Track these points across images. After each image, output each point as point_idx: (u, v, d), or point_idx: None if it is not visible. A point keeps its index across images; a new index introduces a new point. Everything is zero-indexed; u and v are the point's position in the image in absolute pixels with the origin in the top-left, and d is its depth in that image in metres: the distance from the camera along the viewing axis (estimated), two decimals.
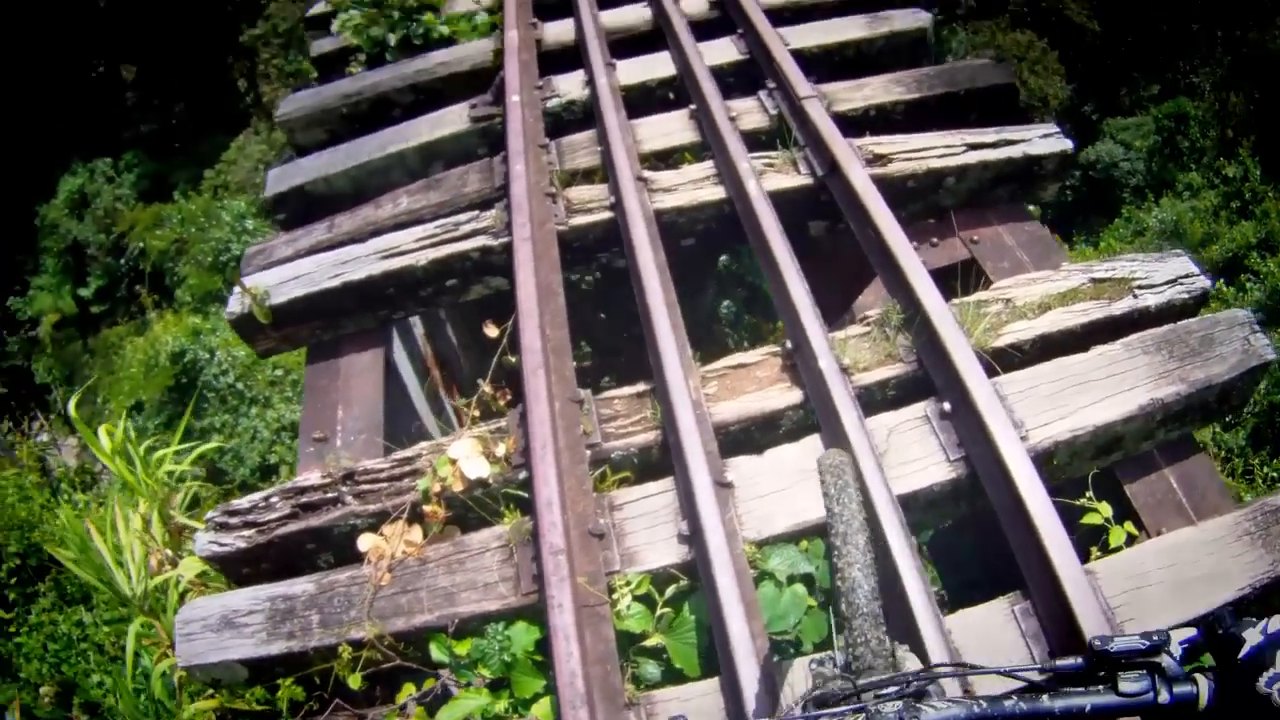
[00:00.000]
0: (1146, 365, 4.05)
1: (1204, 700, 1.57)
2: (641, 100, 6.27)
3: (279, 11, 27.30)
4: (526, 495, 3.91)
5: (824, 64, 6.40)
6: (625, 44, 6.93)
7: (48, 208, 34.02)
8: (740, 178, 5.05)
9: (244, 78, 31.45)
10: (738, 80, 6.29)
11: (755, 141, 5.62)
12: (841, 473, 2.58)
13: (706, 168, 5.46)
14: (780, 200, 5.05)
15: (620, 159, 5.30)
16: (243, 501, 4.18)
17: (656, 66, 6.48)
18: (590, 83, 6.19)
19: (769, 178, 5.26)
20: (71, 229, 33.49)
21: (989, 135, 5.47)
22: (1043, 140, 5.45)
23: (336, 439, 4.87)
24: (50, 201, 34.24)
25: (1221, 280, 21.36)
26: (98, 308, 32.46)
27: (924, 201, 5.40)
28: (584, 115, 6.21)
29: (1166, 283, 4.50)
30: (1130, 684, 1.61)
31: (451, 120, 6.30)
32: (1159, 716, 1.60)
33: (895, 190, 5.17)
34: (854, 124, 5.67)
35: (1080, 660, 1.67)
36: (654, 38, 6.93)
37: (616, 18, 7.20)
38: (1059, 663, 1.70)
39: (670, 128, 5.85)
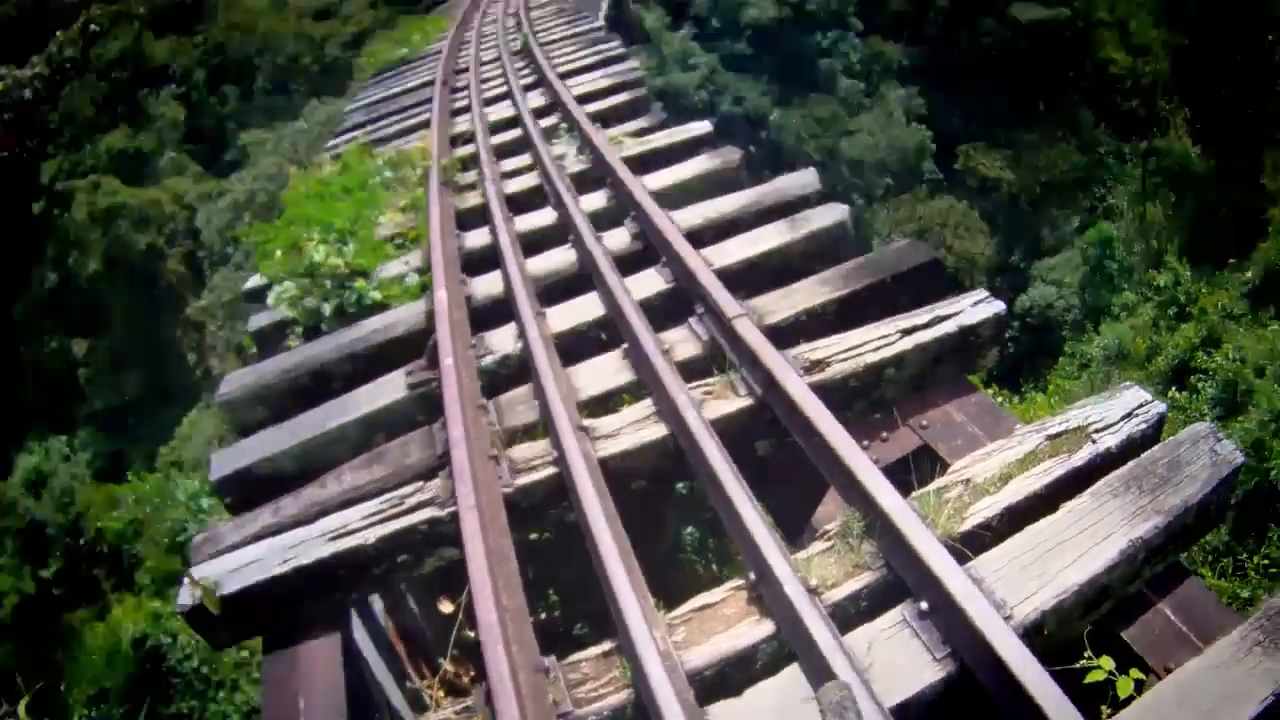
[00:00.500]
0: (1119, 508, 3.94)
1: None
2: (575, 345, 6.26)
3: (223, 283, 27.68)
4: None
5: (750, 277, 6.44)
6: (554, 289, 6.99)
7: (5, 486, 33.55)
8: (680, 412, 4.98)
9: (192, 351, 31.68)
10: (667, 310, 6.32)
11: (691, 371, 5.57)
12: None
13: (646, 407, 5.39)
14: (723, 426, 4.98)
15: (559, 412, 5.23)
16: None
17: (586, 309, 6.52)
18: (522, 335, 6.19)
19: (709, 405, 5.20)
20: (30, 507, 32.89)
21: (921, 316, 5.43)
22: (974, 308, 5.41)
23: None
24: (8, 480, 33.84)
25: (1174, 387, 21.47)
26: (58, 589, 31.71)
27: (867, 398, 5.34)
28: (519, 368, 6.17)
29: (1123, 418, 4.43)
30: None
31: (389, 389, 6.26)
32: None
33: (837, 392, 5.13)
34: (788, 333, 5.67)
35: None
36: (581, 279, 7.00)
37: (543, 264, 7.29)
38: None
39: (606, 370, 5.83)
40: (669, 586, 4.39)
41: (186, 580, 5.11)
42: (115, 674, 14.54)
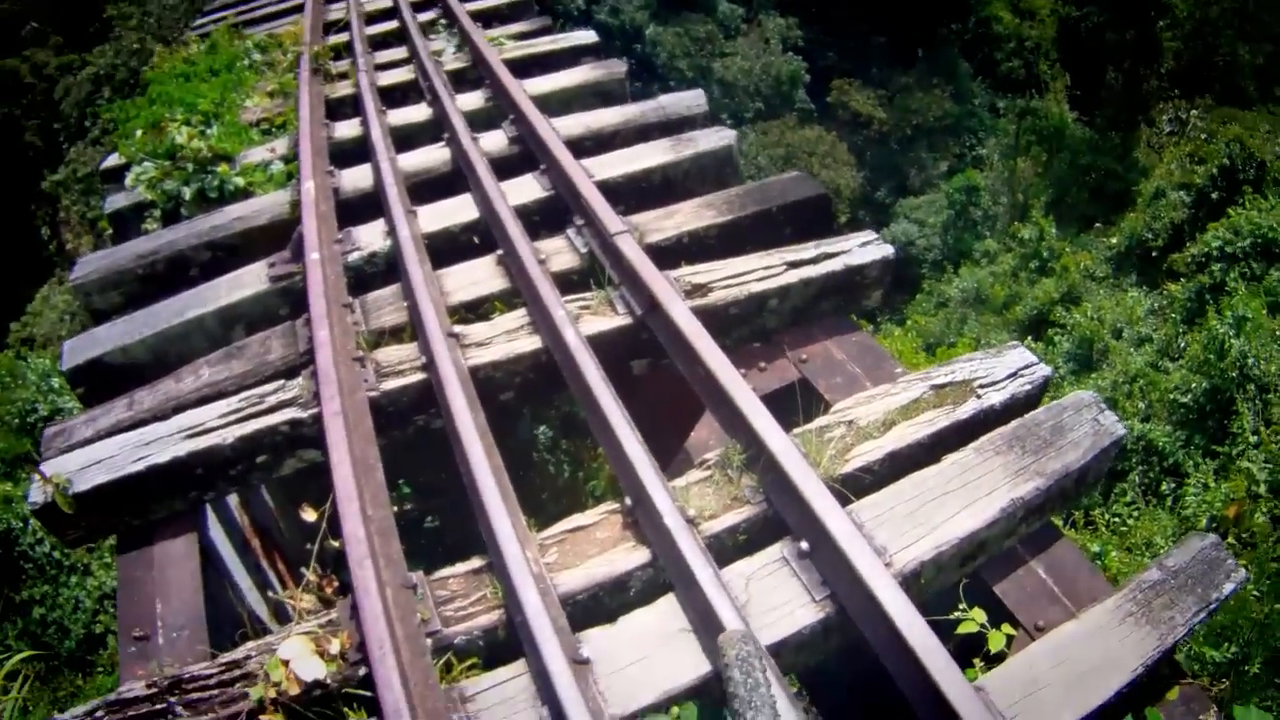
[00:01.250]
0: (1002, 466, 3.89)
1: None
2: (447, 247, 5.94)
3: (79, 157, 26.19)
4: (369, 694, 3.46)
5: (631, 193, 6.22)
6: (426, 187, 6.63)
7: None
8: (557, 326, 4.74)
9: (46, 225, 30.04)
10: (544, 219, 6.05)
11: (568, 283, 5.34)
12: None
13: (520, 316, 5.13)
14: (600, 343, 4.76)
15: (429, 316, 4.94)
16: (65, 717, 3.63)
17: (459, 211, 6.17)
18: (392, 232, 5.83)
19: (586, 321, 4.96)
20: None
21: (808, 251, 5.28)
22: (862, 249, 5.29)
23: (158, 636, 4.32)
24: None
25: (1030, 337, 22.01)
26: None
27: (749, 326, 5.17)
28: (387, 267, 5.84)
29: (1008, 377, 4.37)
30: None
31: (250, 280, 5.86)
32: None
33: (718, 319, 4.96)
34: (669, 254, 5.46)
35: None
36: (454, 179, 6.65)
37: (415, 160, 6.90)
38: None
39: (478, 276, 5.53)
40: (523, 485, 4.16)
41: (37, 478, 4.73)
42: None
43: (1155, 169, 28.19)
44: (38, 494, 4.68)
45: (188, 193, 7.28)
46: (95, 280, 6.48)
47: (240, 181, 7.24)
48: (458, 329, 5.00)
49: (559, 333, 4.73)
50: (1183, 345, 19.42)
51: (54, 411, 15.70)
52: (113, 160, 8.25)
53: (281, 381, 4.92)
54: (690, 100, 7.20)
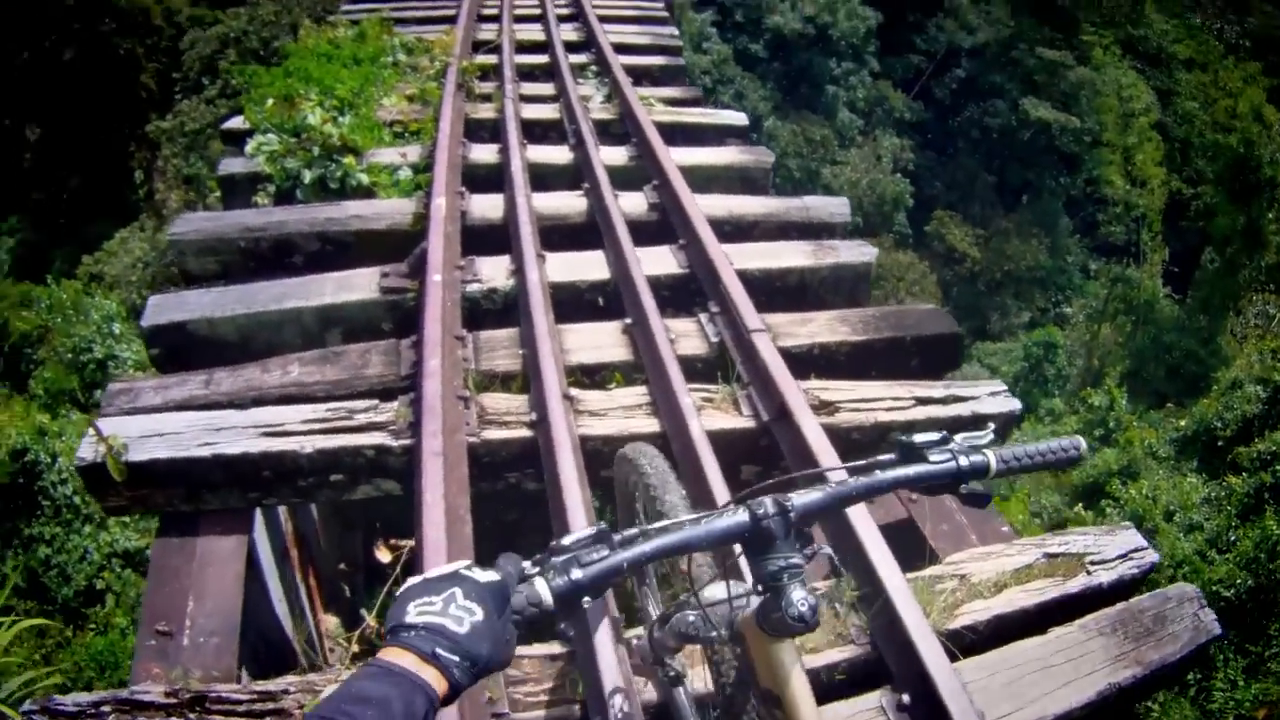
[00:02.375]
0: (1103, 648, 3.61)
1: (994, 467, 1.95)
2: (570, 302, 5.61)
3: (189, 111, 26.27)
4: None
5: (764, 290, 5.85)
6: (557, 233, 6.32)
7: None
8: (681, 414, 4.36)
9: (142, 169, 30.18)
10: (674, 295, 5.70)
11: (692, 370, 4.97)
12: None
13: (640, 394, 4.76)
14: (719, 441, 4.39)
15: (548, 371, 4.57)
16: (67, 702, 3.25)
17: (590, 267, 5.83)
18: (518, 272, 5.51)
19: (709, 415, 4.60)
20: None
21: (938, 390, 4.98)
22: (991, 399, 4.99)
23: (183, 635, 3.93)
24: None
25: (1081, 504, 21.55)
26: None
27: (866, 455, 4.75)
28: (504, 307, 5.51)
29: (1119, 558, 4.05)
30: (937, 457, 1.94)
31: (360, 285, 5.54)
32: (961, 479, 1.93)
33: (839, 441, 4.53)
34: (798, 362, 5.10)
35: (894, 455, 2.03)
36: (588, 232, 6.33)
37: (551, 203, 6.60)
38: (879, 459, 2.05)
39: (601, 340, 5.17)
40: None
41: (92, 432, 4.38)
42: None
43: (1236, 359, 27.56)
44: (88, 450, 4.34)
45: (308, 176, 7.00)
46: (194, 241, 6.20)
47: (364, 179, 6.96)
48: (574, 392, 4.64)
49: (682, 422, 4.36)
50: (1233, 539, 18.84)
51: (108, 356, 15.51)
52: (236, 122, 8.02)
53: (376, 402, 4.58)
54: (835, 206, 6.87)
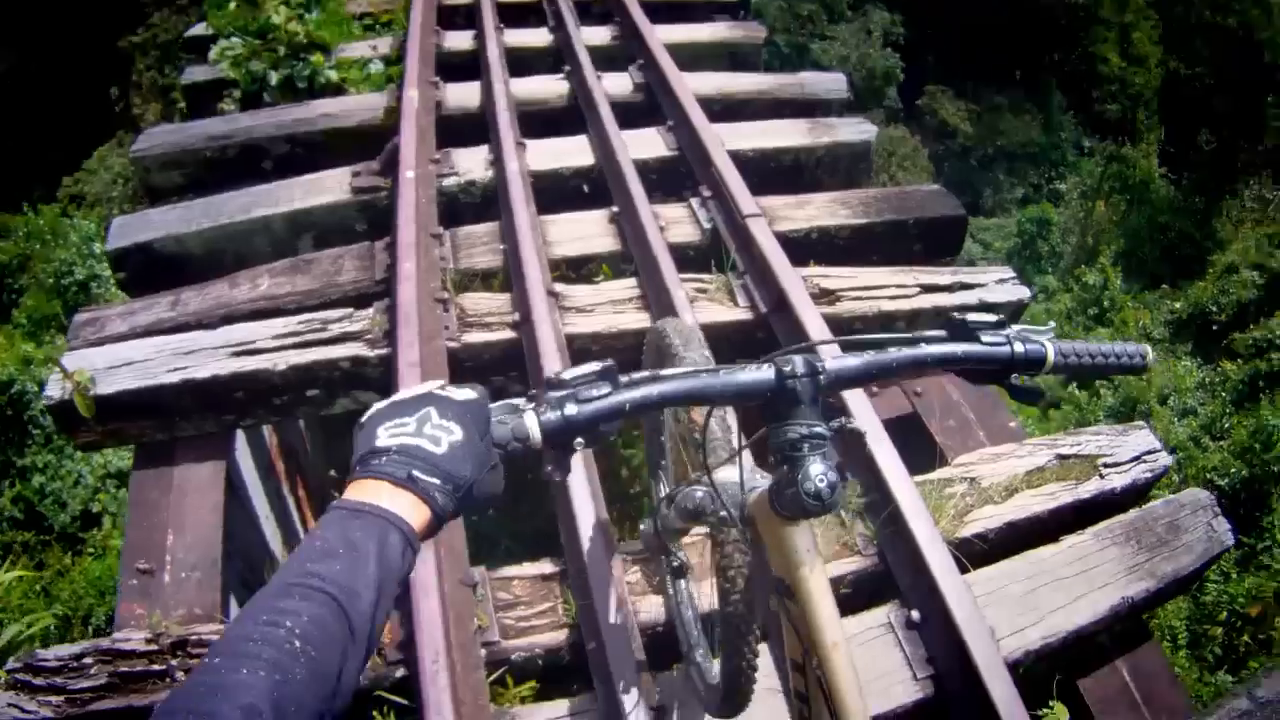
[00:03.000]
0: (1117, 558, 3.42)
1: (1051, 358, 1.76)
2: (553, 191, 5.27)
3: (162, 22, 25.60)
4: (406, 702, 2.90)
5: (758, 171, 5.51)
6: (538, 120, 5.95)
7: None
8: (674, 307, 4.07)
9: (116, 86, 29.43)
10: (663, 179, 5.36)
11: (684, 258, 4.66)
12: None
13: (629, 287, 4.46)
14: (713, 334, 4.10)
15: (530, 267, 4.27)
16: (49, 656, 3.06)
17: (573, 153, 5.46)
18: (497, 162, 5.16)
19: (702, 307, 4.29)
20: None
21: (944, 277, 4.67)
22: (999, 286, 4.69)
23: (165, 572, 3.70)
24: None
25: (1074, 384, 21.42)
26: None
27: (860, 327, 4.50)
28: (483, 200, 5.18)
29: (1131, 460, 3.83)
30: (990, 339, 1.75)
31: (330, 187, 5.20)
32: (1014, 368, 1.76)
33: (841, 330, 4.33)
34: (796, 247, 4.76)
35: (942, 332, 1.79)
36: (570, 117, 5.95)
37: (530, 88, 6.21)
38: (926, 333, 1.78)
39: (587, 230, 4.83)
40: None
41: (58, 371, 4.11)
42: None
43: (1232, 243, 27.19)
44: (55, 388, 4.08)
45: (274, 78, 6.60)
46: (157, 155, 5.84)
47: (334, 76, 6.57)
48: (558, 287, 4.34)
49: (675, 315, 4.06)
50: (1227, 426, 18.71)
51: (90, 278, 15.14)
52: (199, 29, 7.58)
53: (350, 310, 4.28)
54: (830, 83, 6.47)
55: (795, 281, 4.19)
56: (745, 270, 4.48)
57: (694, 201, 4.96)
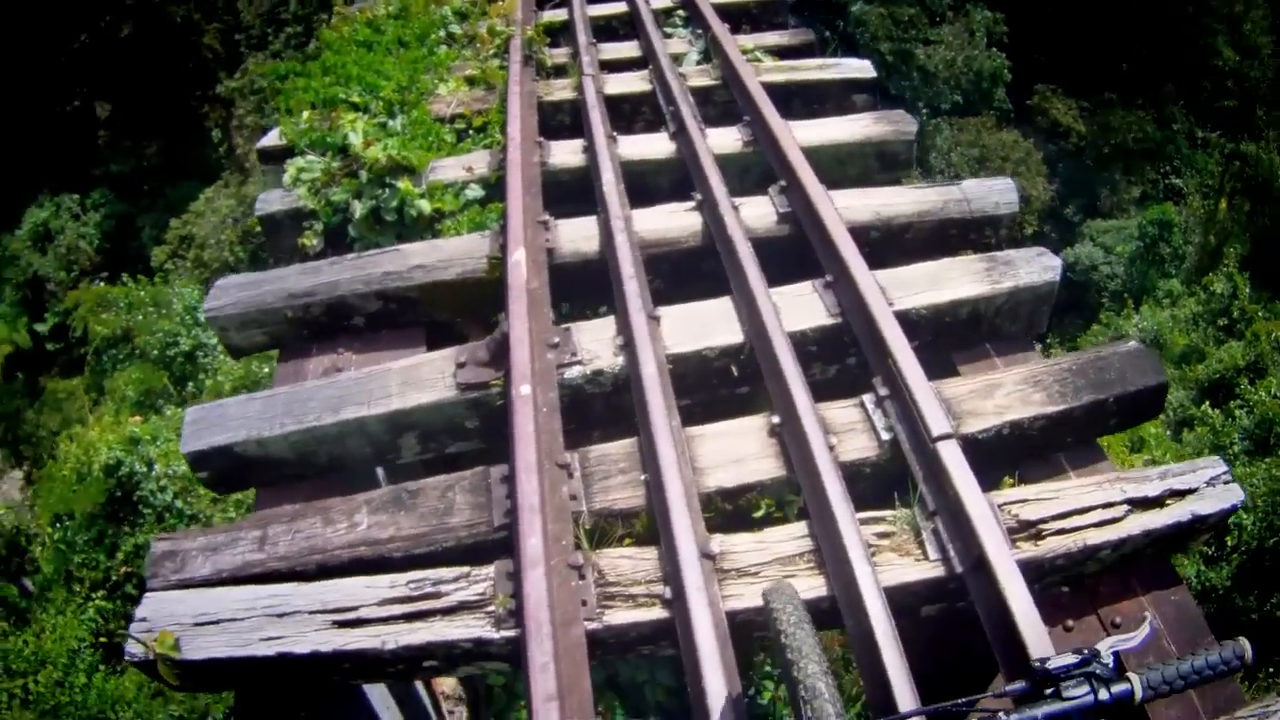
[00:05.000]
0: None
1: (1139, 695, 1.76)
2: (696, 377, 4.39)
3: (257, 68, 25.34)
4: None
5: (932, 330, 4.58)
6: (667, 269, 5.09)
7: (11, 239, 32.24)
8: (850, 562, 3.21)
9: (219, 128, 29.42)
10: (825, 357, 4.46)
11: (858, 476, 3.76)
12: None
13: (798, 536, 3.55)
14: (897, 597, 3.30)
15: (678, 515, 3.41)
16: None
17: (716, 323, 4.50)
18: (628, 347, 4.27)
19: (886, 562, 3.42)
20: (33, 262, 31.80)
21: (1151, 484, 3.73)
22: (1210, 489, 3.74)
23: None
24: (14, 232, 32.38)
25: (1207, 403, 20.04)
26: (53, 345, 30.46)
27: (1065, 574, 3.65)
28: (613, 390, 4.30)
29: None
30: (1073, 690, 1.75)
31: (430, 379, 4.36)
32: (1103, 713, 1.74)
33: (1037, 572, 3.47)
34: (986, 452, 3.88)
35: (1025, 684, 1.83)
36: (705, 263, 5.06)
37: (656, 225, 5.25)
38: (1009, 688, 1.90)
39: (742, 448, 3.89)
40: None
41: (132, 640, 3.47)
42: (84, 497, 13.10)
43: None
44: (137, 646, 3.47)
45: (358, 209, 5.82)
46: (235, 315, 5.08)
47: (425, 207, 5.74)
48: (715, 545, 3.44)
49: (852, 579, 3.22)
50: None
51: (196, 347, 14.77)
52: (272, 139, 6.82)
53: (466, 569, 3.51)
54: (999, 194, 5.41)
55: (992, 525, 3.36)
56: (935, 509, 3.55)
57: (868, 402, 4.00)
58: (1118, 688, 1.75)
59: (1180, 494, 3.74)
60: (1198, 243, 28.17)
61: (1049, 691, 1.80)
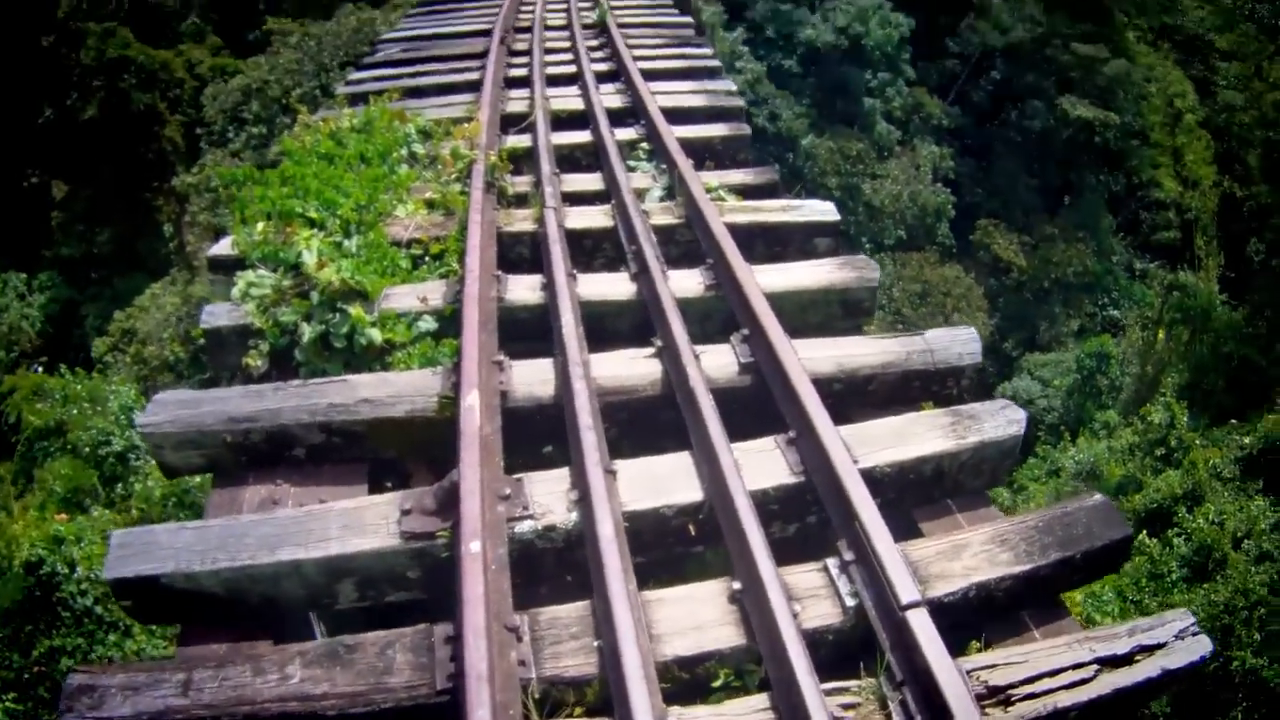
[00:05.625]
0: None
1: None
2: (652, 535, 4.21)
3: (214, 167, 25.20)
4: None
5: (896, 487, 4.45)
6: (627, 419, 4.93)
7: None
8: None
9: (170, 222, 29.15)
10: (786, 518, 4.33)
11: (819, 643, 3.57)
12: None
13: (760, 709, 3.36)
14: None
15: (636, 693, 3.16)
16: None
17: (675, 480, 4.33)
18: (583, 501, 4.07)
19: None
20: None
21: (1120, 641, 3.64)
22: (1179, 642, 3.68)
23: None
24: None
25: (1145, 531, 20.21)
26: None
27: None
28: (565, 547, 4.10)
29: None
30: None
31: (373, 524, 4.13)
32: None
33: None
34: (952, 617, 3.70)
35: None
36: (665, 414, 4.90)
37: (615, 371, 5.10)
38: None
39: (702, 615, 3.69)
40: None
41: None
42: (2, 593, 12.60)
43: None
44: None
45: (308, 333, 5.60)
46: (171, 433, 4.81)
47: (377, 336, 5.55)
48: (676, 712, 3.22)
49: None
50: None
51: (128, 448, 14.34)
52: (224, 247, 6.63)
53: None
54: (963, 344, 5.36)
55: (964, 700, 3.17)
56: (903, 679, 3.37)
57: (833, 567, 3.83)
58: None
59: (1149, 649, 3.67)
60: (1135, 373, 28.65)
61: None
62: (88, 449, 14.40)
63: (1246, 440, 23.78)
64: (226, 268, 6.41)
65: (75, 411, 15.06)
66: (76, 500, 14.21)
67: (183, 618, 4.14)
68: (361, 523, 4.14)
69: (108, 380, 17.37)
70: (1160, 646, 3.65)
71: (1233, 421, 25.70)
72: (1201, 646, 3.69)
